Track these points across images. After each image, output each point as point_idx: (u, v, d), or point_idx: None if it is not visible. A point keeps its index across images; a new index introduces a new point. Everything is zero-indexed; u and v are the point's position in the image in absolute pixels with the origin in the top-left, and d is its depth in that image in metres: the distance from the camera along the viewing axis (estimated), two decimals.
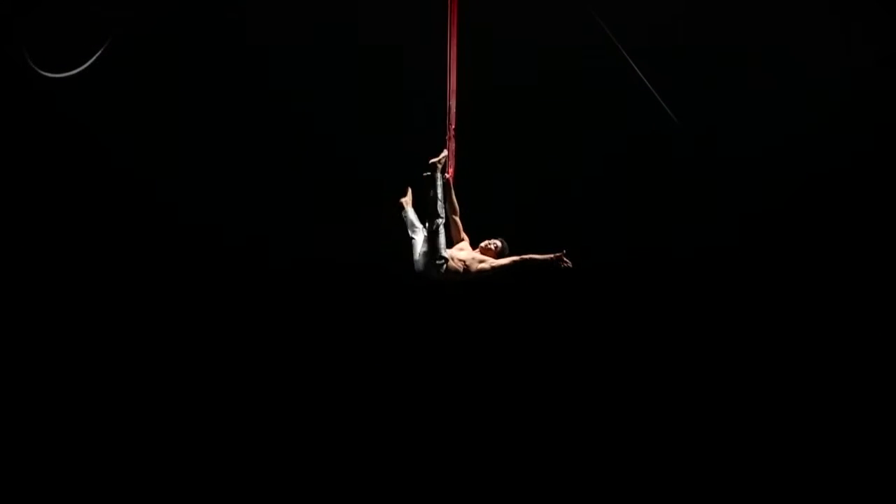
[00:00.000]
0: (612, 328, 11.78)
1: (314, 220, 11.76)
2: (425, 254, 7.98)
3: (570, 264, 8.02)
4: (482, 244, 8.29)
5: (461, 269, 8.03)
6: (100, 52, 10.29)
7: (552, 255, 8.01)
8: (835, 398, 11.35)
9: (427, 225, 8.00)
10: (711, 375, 11.59)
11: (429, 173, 8.00)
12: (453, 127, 8.10)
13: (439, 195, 8.00)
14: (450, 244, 8.19)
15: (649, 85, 10.19)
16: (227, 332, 11.76)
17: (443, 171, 8.01)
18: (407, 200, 8.24)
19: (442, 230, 7.98)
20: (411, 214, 8.20)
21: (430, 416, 11.71)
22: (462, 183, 8.45)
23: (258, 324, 11.79)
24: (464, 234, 8.40)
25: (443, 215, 7.98)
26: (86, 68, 10.28)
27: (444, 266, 7.94)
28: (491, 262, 8.17)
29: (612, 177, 11.72)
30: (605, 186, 11.75)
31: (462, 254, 8.20)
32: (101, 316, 11.67)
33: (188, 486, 11.44)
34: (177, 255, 11.73)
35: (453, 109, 8.05)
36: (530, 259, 8.07)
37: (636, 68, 10.13)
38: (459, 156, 8.26)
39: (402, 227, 8.27)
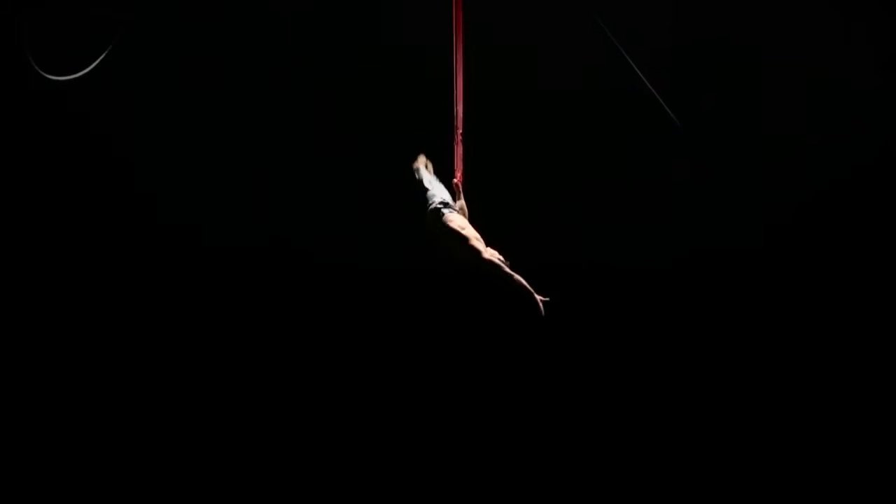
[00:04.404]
0: (612, 331, 11.82)
1: (318, 220, 11.78)
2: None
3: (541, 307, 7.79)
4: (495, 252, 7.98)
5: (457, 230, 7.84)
6: (103, 55, 10.29)
7: (541, 298, 7.76)
8: (835, 403, 11.41)
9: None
10: (711, 379, 11.62)
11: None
12: (460, 131, 8.05)
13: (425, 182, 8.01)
14: None
15: (652, 88, 10.21)
16: (228, 332, 11.79)
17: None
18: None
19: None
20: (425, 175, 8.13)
21: (430, 416, 11.75)
22: (469, 187, 8.45)
23: (258, 325, 11.83)
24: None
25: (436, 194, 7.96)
26: (89, 71, 10.30)
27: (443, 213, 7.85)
28: (488, 252, 7.85)
29: (613, 179, 11.75)
30: (606, 188, 11.78)
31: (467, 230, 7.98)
32: (101, 317, 11.66)
33: (186, 487, 11.50)
34: (177, 255, 11.73)
35: (460, 113, 8.01)
36: (519, 282, 7.77)
37: (639, 72, 10.16)
38: (468, 161, 8.23)
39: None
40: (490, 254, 7.78)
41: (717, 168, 11.49)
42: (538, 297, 7.74)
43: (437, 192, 7.98)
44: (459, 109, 7.96)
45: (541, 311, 7.73)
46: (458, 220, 7.90)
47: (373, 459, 11.64)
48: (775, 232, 11.46)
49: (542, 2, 11.03)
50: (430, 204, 7.91)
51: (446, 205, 7.92)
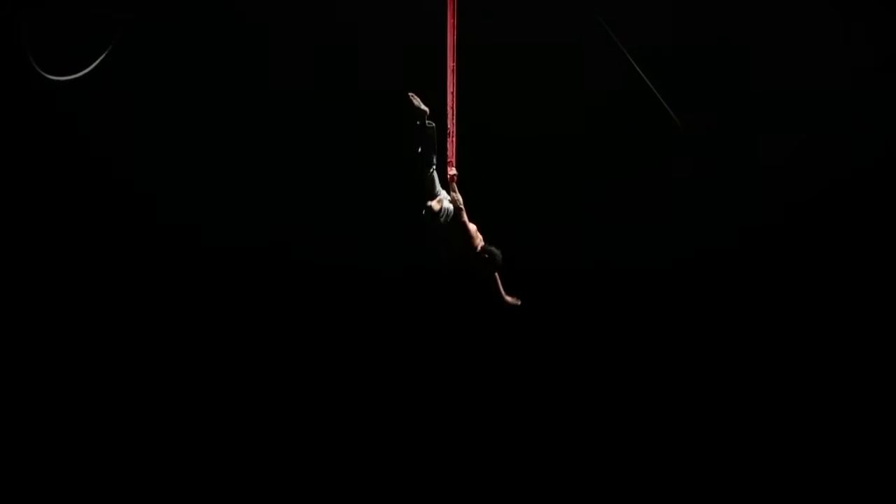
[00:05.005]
0: (611, 331, 11.80)
1: (312, 222, 11.79)
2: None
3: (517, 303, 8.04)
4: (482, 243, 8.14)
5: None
6: (103, 55, 10.31)
7: (511, 298, 8.02)
8: (837, 403, 11.36)
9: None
10: (710, 379, 11.59)
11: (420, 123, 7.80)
12: (452, 124, 8.01)
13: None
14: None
15: (653, 87, 10.20)
16: (226, 334, 11.80)
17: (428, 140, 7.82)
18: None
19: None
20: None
21: (426, 417, 11.74)
22: (466, 185, 8.42)
23: (256, 326, 11.82)
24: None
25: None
26: (89, 71, 10.32)
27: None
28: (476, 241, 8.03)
29: (613, 180, 11.73)
30: (605, 188, 11.76)
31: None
32: (99, 317, 11.71)
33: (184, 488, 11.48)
34: (175, 256, 11.75)
35: (453, 106, 7.99)
36: (494, 279, 8.02)
37: (640, 71, 10.14)
38: (469, 162, 8.23)
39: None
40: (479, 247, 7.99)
41: (717, 168, 11.48)
42: (509, 300, 8.03)
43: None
44: (452, 102, 7.94)
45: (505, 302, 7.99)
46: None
47: (372, 459, 11.66)
48: (775, 232, 11.44)
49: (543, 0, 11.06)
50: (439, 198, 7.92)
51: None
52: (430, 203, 7.72)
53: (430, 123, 7.74)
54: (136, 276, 11.76)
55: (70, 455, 11.47)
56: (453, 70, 8.00)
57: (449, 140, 7.89)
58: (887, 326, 11.26)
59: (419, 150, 7.80)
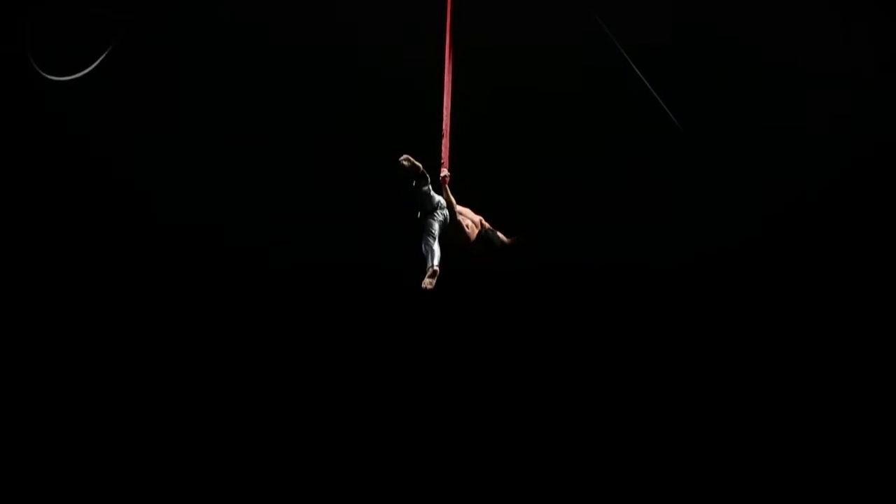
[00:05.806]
0: (612, 331, 11.79)
1: (313, 221, 11.80)
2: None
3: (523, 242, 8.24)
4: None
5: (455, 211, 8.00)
6: (103, 55, 10.33)
7: (511, 238, 8.20)
8: (837, 403, 11.35)
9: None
10: (711, 379, 11.59)
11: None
12: (447, 126, 8.01)
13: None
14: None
15: (651, 88, 10.20)
16: (226, 334, 11.80)
17: (421, 178, 7.91)
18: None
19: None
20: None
21: (427, 417, 11.73)
22: (461, 183, 8.42)
23: (256, 326, 11.82)
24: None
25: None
26: (89, 72, 10.34)
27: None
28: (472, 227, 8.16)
29: (613, 179, 11.73)
30: (606, 188, 11.75)
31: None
32: (98, 318, 11.72)
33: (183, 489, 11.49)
34: (175, 257, 11.76)
35: (448, 106, 8.00)
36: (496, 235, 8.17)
37: (638, 71, 10.14)
38: (455, 156, 8.22)
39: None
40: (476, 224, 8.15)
41: (717, 168, 11.48)
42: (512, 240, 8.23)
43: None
44: (447, 102, 7.95)
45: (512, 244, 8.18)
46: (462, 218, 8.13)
47: (372, 459, 11.67)
48: (775, 232, 11.43)
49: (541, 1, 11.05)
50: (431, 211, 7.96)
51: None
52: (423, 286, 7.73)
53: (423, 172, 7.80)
54: (135, 276, 11.77)
55: (70, 455, 11.47)
56: (450, 71, 8.00)
57: (443, 141, 7.89)
58: (887, 326, 11.23)
59: (417, 210, 7.90)
